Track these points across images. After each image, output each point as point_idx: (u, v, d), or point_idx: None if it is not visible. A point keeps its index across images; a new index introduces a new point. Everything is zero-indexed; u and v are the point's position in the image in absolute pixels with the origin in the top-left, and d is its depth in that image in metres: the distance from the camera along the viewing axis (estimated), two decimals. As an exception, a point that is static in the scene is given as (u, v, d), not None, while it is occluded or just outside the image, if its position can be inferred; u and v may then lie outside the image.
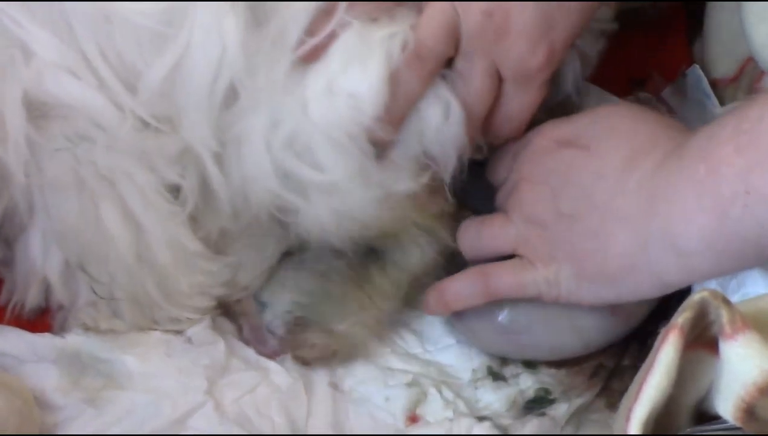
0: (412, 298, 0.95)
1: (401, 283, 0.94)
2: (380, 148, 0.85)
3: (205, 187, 0.88)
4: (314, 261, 0.98)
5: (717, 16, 1.05)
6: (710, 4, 1.05)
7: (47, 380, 0.89)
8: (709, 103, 1.01)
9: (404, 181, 0.88)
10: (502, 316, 0.88)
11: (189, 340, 0.95)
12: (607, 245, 0.79)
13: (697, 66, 1.03)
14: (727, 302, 0.61)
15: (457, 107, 0.85)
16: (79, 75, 0.83)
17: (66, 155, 0.84)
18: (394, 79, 0.82)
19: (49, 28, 0.82)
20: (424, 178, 0.88)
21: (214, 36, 0.80)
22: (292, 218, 0.88)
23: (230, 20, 0.80)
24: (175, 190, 0.88)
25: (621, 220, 0.79)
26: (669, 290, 0.77)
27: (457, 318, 0.92)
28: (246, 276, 0.97)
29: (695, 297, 0.62)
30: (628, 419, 0.61)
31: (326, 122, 0.83)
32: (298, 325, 0.94)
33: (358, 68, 0.82)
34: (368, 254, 0.95)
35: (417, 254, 0.94)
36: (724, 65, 1.03)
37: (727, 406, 0.61)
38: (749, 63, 1.00)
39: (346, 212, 0.87)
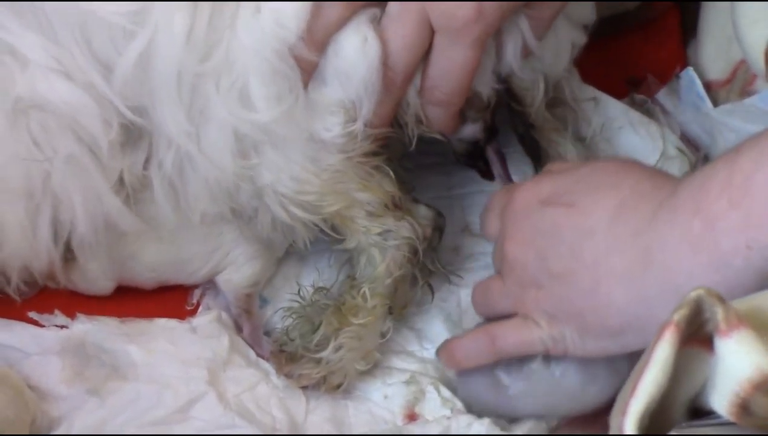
0: (394, 301, 0.92)
1: (369, 293, 0.90)
2: (304, 75, 0.82)
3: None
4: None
5: (710, 20, 1.04)
6: (704, 8, 1.04)
7: (52, 371, 0.88)
8: (703, 105, 1.01)
9: (328, 128, 0.85)
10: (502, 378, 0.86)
11: (193, 330, 0.94)
12: (607, 302, 0.76)
13: (691, 68, 1.03)
14: (722, 299, 0.59)
15: (376, 45, 0.82)
16: (68, 75, 0.82)
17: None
18: (319, 2, 0.81)
19: (36, 30, 0.82)
20: (343, 126, 0.85)
21: (172, 28, 0.80)
22: (254, 187, 0.87)
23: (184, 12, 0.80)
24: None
25: (617, 276, 0.75)
26: None
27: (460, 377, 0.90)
28: (257, 271, 0.96)
29: (692, 295, 0.59)
30: (624, 413, 0.59)
31: (253, 40, 0.81)
32: (286, 357, 0.92)
33: None
34: (343, 268, 0.95)
35: (378, 255, 0.91)
36: (717, 68, 1.03)
37: (721, 402, 0.58)
38: (742, 65, 1.00)
39: (289, 170, 0.86)
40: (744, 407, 0.57)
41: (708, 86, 1.02)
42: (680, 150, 1.01)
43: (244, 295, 0.96)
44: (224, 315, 0.96)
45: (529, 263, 0.81)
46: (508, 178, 0.99)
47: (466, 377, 0.88)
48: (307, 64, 0.82)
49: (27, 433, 0.84)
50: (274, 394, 0.90)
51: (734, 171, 0.69)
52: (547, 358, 0.83)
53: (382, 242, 0.91)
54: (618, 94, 1.03)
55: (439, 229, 0.93)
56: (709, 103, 1.01)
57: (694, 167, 1.00)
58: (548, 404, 0.85)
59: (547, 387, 0.83)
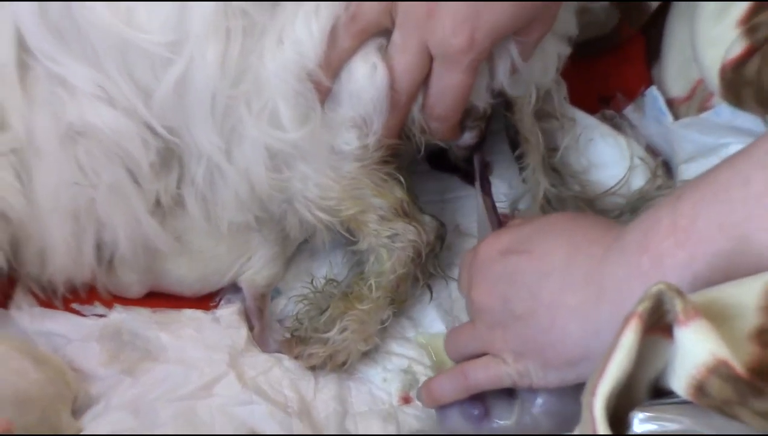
0: (395, 295, 0.94)
1: (375, 284, 0.93)
2: (321, 96, 0.86)
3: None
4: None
5: (672, 44, 1.05)
6: (666, 33, 1.05)
7: (91, 355, 0.91)
8: (665, 119, 1.02)
9: (348, 142, 0.88)
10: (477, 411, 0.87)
11: (216, 320, 0.96)
12: (563, 337, 0.77)
13: (655, 87, 1.04)
14: (680, 293, 0.60)
15: (383, 70, 0.86)
16: (112, 102, 0.85)
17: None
18: (333, 35, 0.84)
19: (83, 61, 0.84)
20: (358, 139, 0.88)
21: (206, 56, 0.83)
22: (286, 195, 0.90)
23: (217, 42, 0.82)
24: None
25: (571, 312, 0.76)
26: None
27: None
28: (273, 273, 0.98)
29: (653, 289, 0.61)
30: (593, 394, 0.60)
31: (277, 67, 0.84)
32: (297, 340, 0.94)
33: (306, 23, 0.83)
34: (354, 266, 0.97)
35: (385, 254, 0.93)
36: (678, 86, 1.03)
37: (680, 383, 0.60)
38: (700, 84, 1.00)
39: (315, 178, 0.89)
40: (700, 389, 0.58)
41: (670, 103, 1.03)
42: (643, 160, 1.01)
43: (260, 294, 0.98)
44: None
45: (495, 306, 0.82)
46: (486, 183, 0.98)
47: (444, 413, 0.87)
48: (324, 87, 0.85)
49: (69, 408, 0.85)
50: (286, 376, 0.92)
51: (678, 216, 0.70)
52: (527, 396, 0.83)
53: (390, 243, 0.93)
54: (590, 110, 1.04)
55: (441, 237, 0.95)
56: (670, 118, 1.02)
57: (654, 174, 1.01)
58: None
59: (530, 421, 0.84)
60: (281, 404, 0.90)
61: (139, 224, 0.90)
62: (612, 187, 1.02)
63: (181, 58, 0.83)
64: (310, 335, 0.93)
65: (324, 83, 0.85)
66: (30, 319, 0.92)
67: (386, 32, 0.86)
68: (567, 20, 0.97)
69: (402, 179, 0.93)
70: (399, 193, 0.93)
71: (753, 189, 0.66)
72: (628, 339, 0.60)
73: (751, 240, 0.66)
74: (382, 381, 0.94)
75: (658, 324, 0.61)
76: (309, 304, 0.96)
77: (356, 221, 0.93)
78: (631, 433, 0.61)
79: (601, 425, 0.59)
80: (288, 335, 0.95)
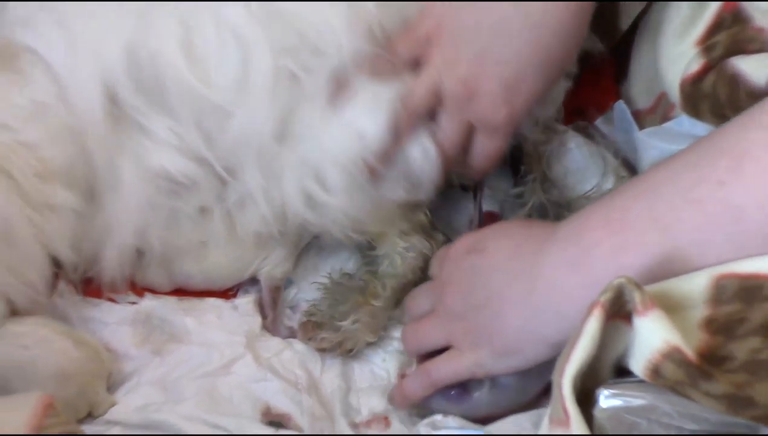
0: (401, 297, 0.97)
1: (388, 285, 0.95)
2: (372, 176, 0.88)
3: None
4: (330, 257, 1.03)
5: (638, 62, 1.06)
6: (633, 54, 1.07)
7: (125, 337, 0.94)
8: (631, 129, 1.04)
9: (398, 196, 0.92)
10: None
11: (235, 308, 0.98)
12: (506, 324, 0.78)
13: (622, 101, 1.06)
14: (639, 286, 0.63)
15: (433, 152, 0.89)
16: (184, 151, 0.89)
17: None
18: (391, 126, 0.86)
19: (163, 113, 0.88)
20: (407, 195, 0.92)
21: (263, 113, 0.87)
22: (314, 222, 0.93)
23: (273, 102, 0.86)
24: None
25: (513, 302, 0.78)
26: (559, 349, 0.70)
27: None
28: (287, 269, 1.01)
29: (614, 282, 0.63)
30: (561, 374, 0.63)
31: (335, 145, 0.87)
32: (313, 324, 0.96)
33: (369, 116, 0.86)
34: (365, 265, 0.99)
35: (399, 261, 0.96)
36: (643, 99, 1.05)
37: (638, 366, 0.63)
38: (663, 97, 1.01)
39: (351, 214, 0.92)
40: (655, 371, 0.62)
41: (636, 114, 1.04)
42: (615, 167, 1.04)
43: (275, 286, 1.00)
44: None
45: (456, 300, 0.84)
46: (479, 191, 1.03)
47: (428, 401, 0.88)
48: (376, 172, 0.89)
49: (105, 384, 0.89)
50: (296, 357, 0.94)
51: (610, 210, 0.72)
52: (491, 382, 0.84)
53: (404, 252, 0.96)
54: (568, 121, 1.07)
55: None
56: (636, 127, 1.03)
57: (621, 179, 1.04)
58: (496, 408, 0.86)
59: (499, 390, 0.85)
60: (292, 381, 0.91)
61: (178, 234, 0.95)
62: (587, 192, 1.04)
63: (241, 112, 0.87)
64: (325, 321, 0.95)
65: (378, 170, 0.88)
66: (71, 306, 0.94)
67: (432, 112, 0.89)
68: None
69: (427, 209, 0.97)
70: (422, 218, 0.97)
71: (680, 186, 0.68)
72: (592, 326, 0.63)
73: (675, 233, 0.68)
74: (381, 361, 0.96)
75: (619, 313, 0.64)
76: (327, 293, 0.97)
77: (379, 235, 0.97)
78: (597, 408, 0.64)
79: (570, 402, 0.62)
80: (305, 319, 0.96)
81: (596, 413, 0.64)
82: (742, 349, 0.62)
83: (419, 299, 0.91)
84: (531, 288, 0.77)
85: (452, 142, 0.90)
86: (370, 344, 0.97)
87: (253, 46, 0.85)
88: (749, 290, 0.64)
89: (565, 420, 0.62)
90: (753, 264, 0.65)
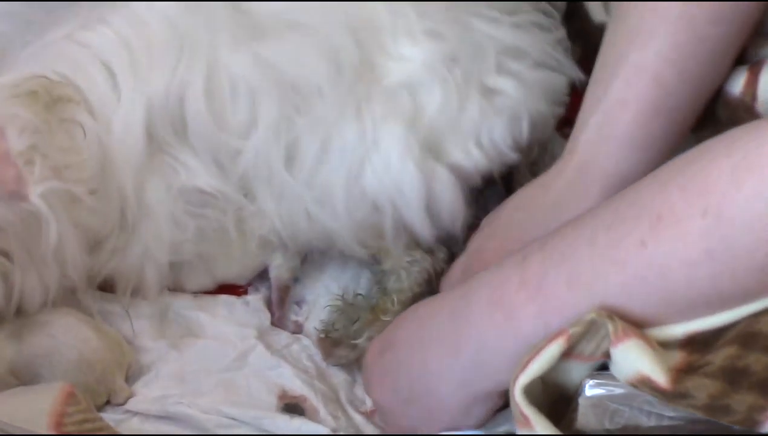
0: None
1: (397, 300, 0.97)
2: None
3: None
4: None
5: None
6: None
7: (143, 331, 0.96)
8: None
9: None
10: None
11: (246, 303, 1.00)
12: (442, 398, 0.76)
13: None
14: (611, 317, 0.63)
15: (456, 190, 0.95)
16: (208, 175, 0.95)
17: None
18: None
19: (187, 150, 0.94)
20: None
21: (270, 144, 0.93)
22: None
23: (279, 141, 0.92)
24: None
25: (440, 373, 0.75)
26: (505, 397, 0.72)
27: None
28: (296, 265, 1.03)
29: (587, 317, 0.64)
30: (514, 384, 0.65)
31: (347, 195, 0.94)
32: (331, 342, 0.97)
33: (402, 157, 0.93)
34: (376, 283, 1.01)
35: (405, 275, 0.98)
36: None
37: (622, 380, 0.65)
38: None
39: (353, 233, 0.97)
40: (635, 387, 0.63)
41: None
42: None
43: (284, 285, 1.01)
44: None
45: (386, 396, 0.81)
46: None
47: None
48: None
49: (124, 374, 0.90)
50: (304, 351, 0.96)
51: (526, 274, 0.69)
52: None
53: (409, 267, 0.98)
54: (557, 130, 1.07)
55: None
56: None
57: None
58: None
59: None
60: (302, 369, 0.94)
61: (207, 244, 0.98)
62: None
63: (248, 145, 0.93)
64: (342, 339, 0.96)
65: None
66: (91, 299, 0.95)
67: None
68: (559, 90, 1.03)
69: None
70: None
71: (599, 247, 0.65)
72: (553, 350, 0.64)
73: (599, 292, 0.65)
74: None
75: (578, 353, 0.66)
76: (340, 313, 0.98)
77: (386, 250, 0.99)
78: (582, 396, 0.66)
79: (525, 407, 0.64)
80: (323, 336, 0.97)
81: (581, 401, 0.66)
82: (719, 355, 0.62)
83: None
84: (456, 350, 0.74)
85: None
86: (372, 340, 0.94)
87: (260, 95, 0.92)
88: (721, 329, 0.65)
89: (525, 421, 0.64)
90: (721, 318, 0.64)
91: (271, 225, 0.97)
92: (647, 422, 0.65)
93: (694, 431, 0.64)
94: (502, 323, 0.70)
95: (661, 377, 0.62)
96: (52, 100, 0.88)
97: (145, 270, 0.95)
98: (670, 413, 0.65)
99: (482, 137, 0.96)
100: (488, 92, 0.96)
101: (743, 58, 0.86)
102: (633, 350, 0.62)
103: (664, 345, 0.64)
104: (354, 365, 0.96)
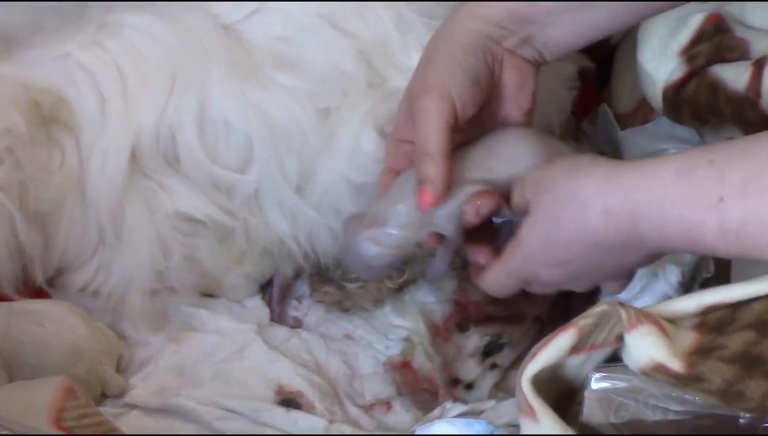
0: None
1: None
2: None
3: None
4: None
5: (621, 71, 1.10)
6: (616, 63, 1.11)
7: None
8: (613, 130, 1.09)
9: None
10: None
11: (244, 306, 1.01)
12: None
13: (605, 105, 1.10)
14: (623, 305, 0.62)
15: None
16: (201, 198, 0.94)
17: None
18: None
19: (177, 178, 0.93)
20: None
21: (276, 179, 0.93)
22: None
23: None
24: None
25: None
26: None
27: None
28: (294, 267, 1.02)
29: (596, 309, 0.63)
30: (522, 373, 0.64)
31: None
32: (321, 278, 0.99)
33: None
34: None
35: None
36: (625, 104, 1.09)
37: (634, 368, 0.63)
38: (643, 102, 1.05)
39: None
40: (649, 375, 0.62)
41: (618, 117, 1.09)
42: None
43: (286, 284, 1.02)
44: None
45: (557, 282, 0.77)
46: None
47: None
48: None
49: (114, 364, 0.91)
50: (303, 345, 0.96)
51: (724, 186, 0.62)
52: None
53: None
54: None
55: None
56: (618, 127, 1.07)
57: None
58: None
59: None
60: (300, 363, 0.94)
61: (199, 268, 0.97)
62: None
63: (249, 179, 0.93)
64: (333, 278, 0.98)
65: None
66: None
67: None
68: (568, 66, 1.05)
69: None
70: None
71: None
72: (562, 341, 0.63)
73: None
74: (384, 348, 0.97)
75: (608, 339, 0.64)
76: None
77: None
78: (588, 390, 0.64)
79: (531, 397, 0.63)
80: (314, 272, 0.99)
81: (586, 394, 0.65)
82: (735, 340, 0.61)
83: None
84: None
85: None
86: (373, 331, 0.99)
87: (253, 138, 0.92)
88: (737, 304, 0.63)
89: (530, 411, 0.63)
90: (734, 292, 0.63)
91: (275, 238, 0.97)
92: (652, 416, 0.64)
93: (700, 426, 0.63)
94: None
95: (675, 363, 0.60)
96: (50, 117, 0.89)
97: (128, 294, 0.95)
98: (676, 408, 0.63)
99: None
100: None
101: (746, 54, 0.87)
102: (646, 337, 0.61)
103: (678, 323, 0.64)
104: (336, 306, 0.98)
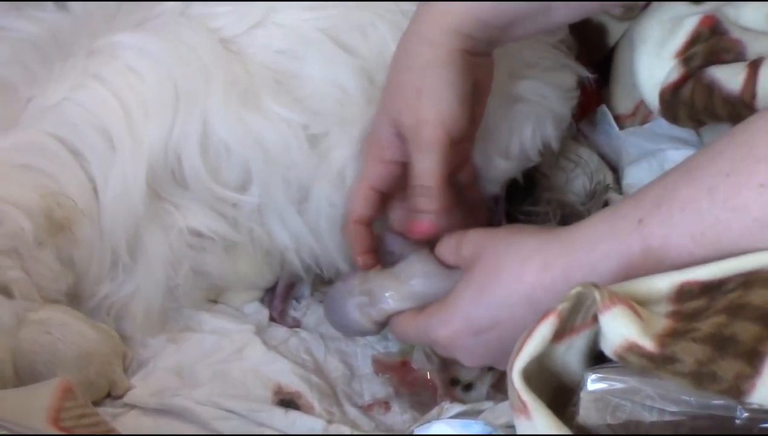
0: None
1: None
2: None
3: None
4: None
5: (619, 73, 1.09)
6: (614, 65, 1.10)
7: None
8: (612, 131, 1.09)
9: None
10: None
11: (243, 311, 1.00)
12: None
13: (605, 106, 1.10)
14: (597, 286, 0.62)
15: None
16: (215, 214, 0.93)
17: None
18: None
19: (188, 196, 0.92)
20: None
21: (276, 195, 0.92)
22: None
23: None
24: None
25: None
26: None
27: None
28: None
29: (572, 292, 0.63)
30: (511, 369, 0.63)
31: None
32: (320, 278, 0.98)
33: None
34: None
35: None
36: (624, 105, 1.09)
37: (609, 352, 0.63)
38: (641, 104, 1.05)
39: None
40: (622, 359, 0.62)
41: (617, 118, 1.08)
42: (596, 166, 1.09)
43: (292, 282, 1.02)
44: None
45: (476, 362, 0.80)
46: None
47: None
48: None
49: (121, 364, 0.91)
50: (302, 344, 0.96)
51: (649, 238, 0.67)
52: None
53: None
54: None
55: None
56: (617, 129, 1.07)
57: (593, 174, 1.10)
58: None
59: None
60: (299, 363, 0.93)
61: (205, 276, 0.97)
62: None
63: (251, 200, 0.92)
64: (333, 278, 0.98)
65: None
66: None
67: None
68: (566, 77, 1.03)
69: None
70: None
71: (719, 196, 0.63)
72: (545, 328, 0.63)
73: (724, 243, 0.64)
74: (383, 348, 0.97)
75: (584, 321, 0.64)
76: None
77: None
78: (585, 391, 0.64)
79: (524, 393, 0.62)
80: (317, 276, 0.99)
81: (583, 395, 0.64)
82: (706, 323, 0.61)
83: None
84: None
85: None
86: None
87: (250, 160, 0.91)
88: (711, 288, 0.64)
89: (523, 408, 0.62)
90: (709, 270, 0.64)
91: (278, 249, 0.96)
92: (649, 417, 0.63)
93: (696, 426, 0.62)
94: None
95: (647, 342, 0.60)
96: (59, 226, 0.88)
97: (138, 310, 0.94)
98: (672, 408, 0.63)
99: (511, 147, 0.99)
100: (510, 100, 0.97)
101: (741, 55, 0.87)
102: (619, 317, 0.61)
103: (651, 308, 0.64)
104: None
